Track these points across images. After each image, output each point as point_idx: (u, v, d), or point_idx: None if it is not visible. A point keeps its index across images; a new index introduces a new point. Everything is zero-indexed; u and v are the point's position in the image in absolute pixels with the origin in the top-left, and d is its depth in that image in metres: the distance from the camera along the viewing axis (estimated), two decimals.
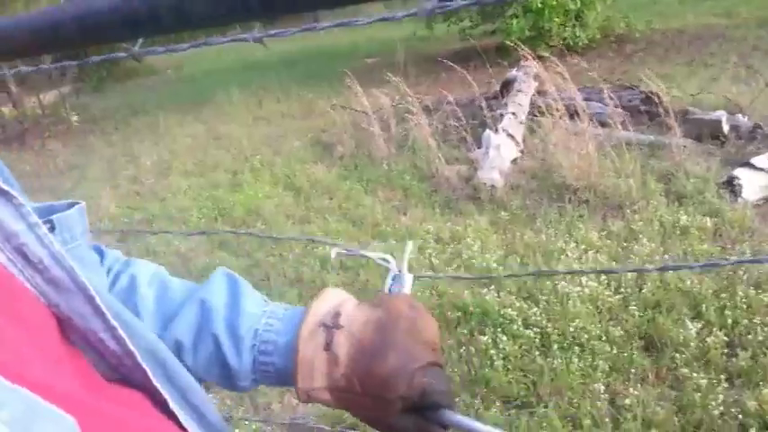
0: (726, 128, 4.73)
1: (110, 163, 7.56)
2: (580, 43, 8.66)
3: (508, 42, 6.26)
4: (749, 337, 2.67)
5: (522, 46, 5.64)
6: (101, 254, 0.70)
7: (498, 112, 5.59)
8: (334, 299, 0.64)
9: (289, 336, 0.62)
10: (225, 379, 0.65)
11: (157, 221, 5.25)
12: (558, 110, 4.72)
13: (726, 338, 2.68)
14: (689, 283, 3.04)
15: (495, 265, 3.56)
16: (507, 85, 6.19)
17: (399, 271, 0.83)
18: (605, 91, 4.93)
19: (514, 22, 8.35)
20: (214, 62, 15.49)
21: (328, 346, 0.59)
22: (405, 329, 0.59)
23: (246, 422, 2.52)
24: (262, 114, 8.65)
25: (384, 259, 0.85)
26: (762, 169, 3.91)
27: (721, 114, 4.82)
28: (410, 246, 0.91)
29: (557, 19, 8.46)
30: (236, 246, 4.36)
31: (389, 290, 0.79)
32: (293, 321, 0.63)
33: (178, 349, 0.63)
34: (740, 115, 4.90)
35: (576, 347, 2.75)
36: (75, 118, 10.08)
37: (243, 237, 4.64)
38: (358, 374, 0.58)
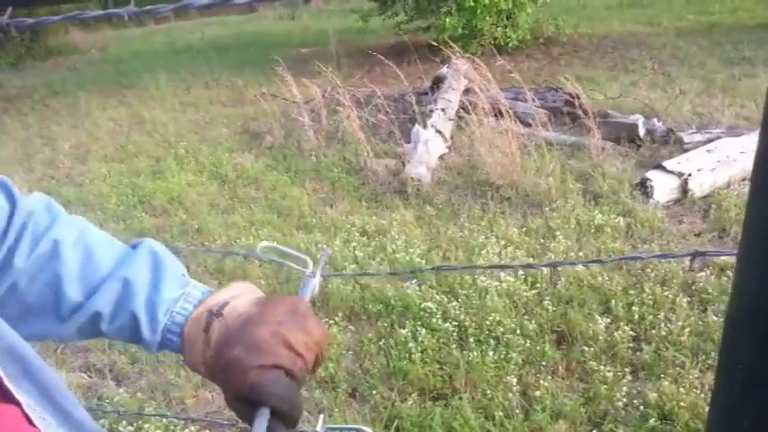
0: (642, 131, 4.94)
1: (24, 145, 7.16)
2: (510, 44, 8.85)
3: (434, 42, 6.32)
4: (653, 331, 2.80)
5: (452, 44, 5.71)
6: (11, 202, 0.69)
7: (428, 107, 5.64)
8: (234, 291, 0.71)
9: None
10: (132, 342, 0.71)
11: (73, 207, 5.02)
12: (483, 108, 4.81)
13: (632, 333, 2.80)
14: (600, 279, 3.16)
15: (418, 259, 3.59)
16: (438, 82, 6.27)
17: (313, 274, 0.83)
18: (528, 92, 5.05)
19: (447, 19, 8.45)
20: (142, 44, 14.95)
21: (207, 330, 0.66)
22: (266, 330, 0.64)
23: (157, 417, 2.44)
24: (189, 100, 8.41)
25: (303, 260, 0.84)
26: (672, 172, 4.10)
27: (638, 118, 5.03)
28: (327, 252, 0.92)
29: (488, 18, 8.62)
30: (156, 234, 4.22)
31: (301, 291, 0.80)
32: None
33: (97, 318, 0.68)
34: (656, 120, 5.12)
35: (492, 340, 2.81)
36: None
37: (163, 225, 4.51)
38: (215, 358, 0.65)
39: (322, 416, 0.77)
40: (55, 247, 0.68)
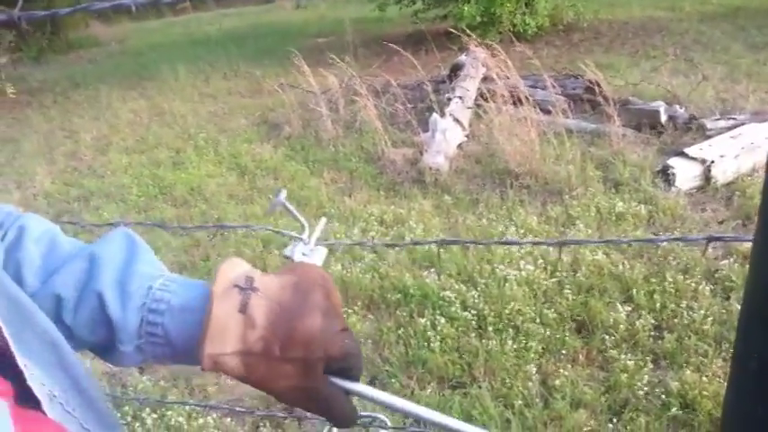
0: (663, 118, 4.87)
1: (47, 137, 7.28)
2: (529, 31, 8.76)
3: (453, 30, 6.26)
4: (675, 320, 2.77)
5: (469, 32, 5.67)
6: None
7: (446, 96, 5.61)
8: (242, 265, 0.60)
9: (183, 299, 0.57)
10: (107, 341, 0.58)
11: (95, 199, 5.09)
12: (502, 96, 4.77)
13: (654, 321, 2.78)
14: (621, 267, 3.13)
15: (435, 247, 3.58)
16: (456, 70, 6.23)
17: (307, 242, 0.79)
18: (548, 79, 5.00)
19: (466, 7, 8.38)
20: (161, 36, 15.05)
21: (244, 308, 0.54)
22: (323, 293, 0.57)
23: (179, 405, 2.48)
24: (208, 91, 8.46)
25: (302, 225, 0.80)
26: (695, 159, 4.04)
27: (660, 105, 4.95)
28: (323, 222, 0.89)
29: (507, 5, 8.53)
30: (177, 222, 4.27)
31: (294, 258, 0.75)
32: (193, 286, 0.59)
33: (57, 305, 0.57)
34: (677, 106, 5.04)
35: (511, 329, 2.81)
36: (10, 89, 9.63)
37: (184, 216, 4.56)
38: (279, 337, 0.54)
39: None
40: (19, 235, 0.61)
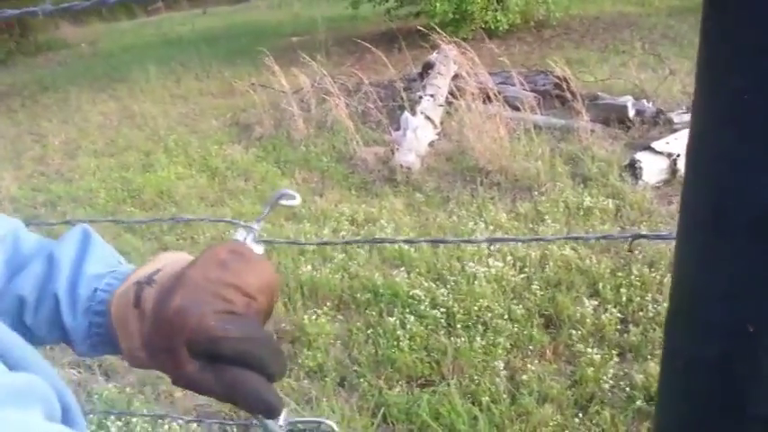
0: (631, 113, 4.92)
1: (14, 142, 7.14)
2: (501, 27, 8.78)
3: (422, 28, 6.26)
4: (641, 313, 2.80)
5: (439, 29, 5.67)
6: None
7: (417, 94, 5.61)
8: (165, 260, 0.58)
9: None
10: (64, 340, 0.59)
11: (62, 204, 5.01)
12: (472, 94, 4.78)
13: (620, 315, 2.81)
14: (588, 262, 3.15)
15: (406, 246, 3.58)
16: (428, 68, 6.23)
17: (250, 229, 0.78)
18: (516, 75, 5.02)
19: (438, 4, 8.38)
20: (132, 37, 14.87)
21: (137, 303, 0.54)
22: (208, 272, 0.52)
23: (145, 413, 2.45)
24: (179, 92, 8.36)
25: (248, 227, 0.79)
26: (661, 153, 4.09)
27: (627, 99, 5.00)
28: (260, 225, 0.87)
29: (479, 2, 8.55)
30: (145, 228, 4.21)
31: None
32: None
33: (20, 306, 0.58)
34: (645, 101, 5.10)
35: (480, 326, 2.82)
36: None
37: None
38: (155, 324, 0.51)
39: (285, 410, 0.75)
40: None
